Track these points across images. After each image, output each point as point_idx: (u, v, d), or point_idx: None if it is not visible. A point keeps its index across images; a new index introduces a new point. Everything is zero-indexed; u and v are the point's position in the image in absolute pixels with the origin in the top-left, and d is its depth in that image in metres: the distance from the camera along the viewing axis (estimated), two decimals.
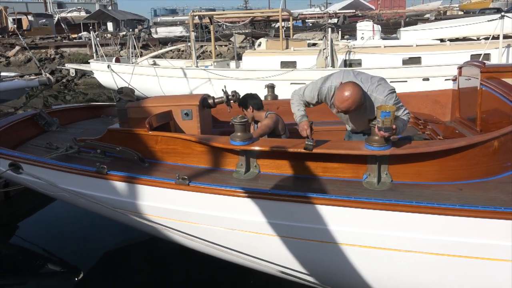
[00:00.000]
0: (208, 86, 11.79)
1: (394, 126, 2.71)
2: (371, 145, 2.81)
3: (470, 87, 4.17)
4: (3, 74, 11.31)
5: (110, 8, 48.06)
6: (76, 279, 4.61)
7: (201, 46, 20.70)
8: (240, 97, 4.19)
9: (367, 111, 3.10)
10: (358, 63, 11.48)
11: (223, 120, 4.80)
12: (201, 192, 3.01)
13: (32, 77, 11.20)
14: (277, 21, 20.52)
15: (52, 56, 23.99)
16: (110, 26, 35.93)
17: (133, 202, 3.31)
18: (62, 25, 35.54)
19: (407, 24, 20.38)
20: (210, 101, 4.12)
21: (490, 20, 10.75)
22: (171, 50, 21.22)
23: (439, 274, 2.68)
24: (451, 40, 11.55)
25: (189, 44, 16.03)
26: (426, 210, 2.55)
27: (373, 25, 12.90)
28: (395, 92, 3.06)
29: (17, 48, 24.15)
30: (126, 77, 12.29)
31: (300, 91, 3.36)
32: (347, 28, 21.79)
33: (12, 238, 5.74)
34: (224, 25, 27.82)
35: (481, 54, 10.19)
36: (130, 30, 19.66)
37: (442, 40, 11.70)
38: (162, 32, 31.97)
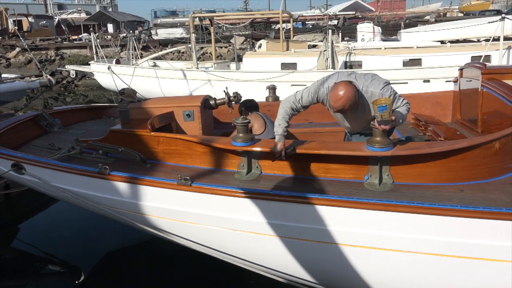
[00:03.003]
0: (208, 87, 11.79)
1: (393, 118, 2.77)
2: (373, 146, 2.81)
3: (471, 89, 4.18)
4: (3, 75, 11.30)
5: (110, 9, 48.10)
6: (77, 280, 4.60)
7: (201, 48, 20.74)
8: (241, 98, 4.21)
9: (365, 109, 3.12)
10: (359, 64, 11.46)
11: (225, 121, 4.81)
12: (203, 193, 3.01)
13: (32, 78, 11.18)
14: (277, 22, 20.59)
15: (52, 58, 24.02)
16: (110, 27, 36.02)
17: (135, 202, 3.31)
18: (63, 26, 35.65)
19: (407, 25, 20.44)
20: (212, 102, 4.13)
21: (491, 22, 10.77)
22: (171, 52, 21.28)
23: (441, 275, 2.68)
24: (451, 41, 11.56)
25: (189, 45, 16.04)
26: (427, 211, 2.55)
27: (373, 27, 12.92)
28: (390, 84, 3.09)
29: (18, 49, 24.19)
30: (126, 79, 12.28)
31: (293, 97, 3.19)
32: (347, 30, 21.84)
33: (12, 239, 5.74)
34: (224, 27, 27.94)
35: (481, 56, 10.19)
36: (130, 31, 19.63)
37: (442, 42, 11.71)
38: (162, 33, 32.03)
